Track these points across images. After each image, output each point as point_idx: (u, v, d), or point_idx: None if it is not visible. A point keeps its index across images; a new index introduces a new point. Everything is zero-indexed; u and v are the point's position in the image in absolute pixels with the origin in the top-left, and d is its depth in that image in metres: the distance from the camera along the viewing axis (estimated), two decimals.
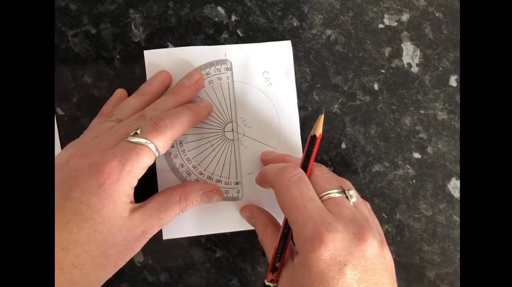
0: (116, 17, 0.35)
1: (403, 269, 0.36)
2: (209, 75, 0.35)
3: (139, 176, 0.28)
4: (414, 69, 0.37)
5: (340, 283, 0.23)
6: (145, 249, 0.32)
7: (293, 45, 0.36)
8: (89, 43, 0.35)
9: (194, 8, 0.36)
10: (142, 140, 0.28)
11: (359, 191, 0.36)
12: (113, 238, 0.27)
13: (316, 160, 0.30)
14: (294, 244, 0.26)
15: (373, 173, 0.36)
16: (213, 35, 0.36)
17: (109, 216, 0.26)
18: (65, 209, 0.26)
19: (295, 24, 0.36)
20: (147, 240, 0.29)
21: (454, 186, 0.36)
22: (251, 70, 0.35)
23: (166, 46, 0.35)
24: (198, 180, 0.34)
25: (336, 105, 0.36)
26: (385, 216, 0.36)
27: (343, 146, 0.36)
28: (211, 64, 0.35)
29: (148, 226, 0.28)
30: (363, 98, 0.36)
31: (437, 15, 0.37)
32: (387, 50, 0.37)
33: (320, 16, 0.37)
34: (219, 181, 0.34)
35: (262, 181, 0.31)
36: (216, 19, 0.36)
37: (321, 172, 0.29)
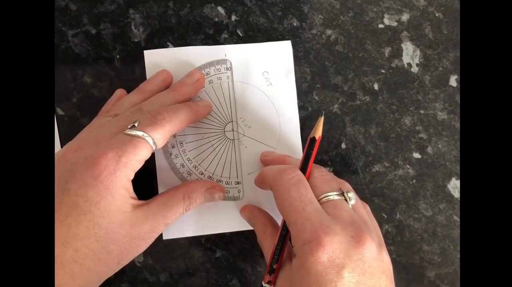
0: (116, 17, 0.35)
1: (403, 269, 0.36)
2: (209, 75, 0.35)
3: (136, 169, 0.28)
4: (414, 69, 0.37)
5: (338, 285, 0.23)
6: (145, 249, 0.32)
7: (293, 45, 0.36)
8: (89, 43, 0.35)
9: (194, 8, 0.36)
10: (140, 133, 0.27)
11: (359, 191, 0.36)
12: (114, 232, 0.26)
13: (316, 160, 0.30)
14: (292, 246, 0.26)
15: (373, 173, 0.36)
16: (213, 35, 0.36)
17: (109, 209, 0.26)
18: (63, 203, 0.26)
19: (295, 24, 0.36)
20: (153, 239, 0.28)
21: (454, 186, 0.36)
22: (251, 70, 0.35)
23: (166, 46, 0.35)
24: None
25: (336, 105, 0.36)
26: (385, 216, 0.36)
27: (343, 146, 0.36)
28: (211, 64, 0.35)
29: (154, 223, 0.28)
30: (363, 98, 0.36)
31: (437, 15, 0.37)
32: (387, 50, 0.37)
33: (320, 16, 0.37)
34: (219, 181, 0.34)
35: (261, 182, 0.31)
36: (216, 19, 0.36)
37: (320, 174, 0.29)
